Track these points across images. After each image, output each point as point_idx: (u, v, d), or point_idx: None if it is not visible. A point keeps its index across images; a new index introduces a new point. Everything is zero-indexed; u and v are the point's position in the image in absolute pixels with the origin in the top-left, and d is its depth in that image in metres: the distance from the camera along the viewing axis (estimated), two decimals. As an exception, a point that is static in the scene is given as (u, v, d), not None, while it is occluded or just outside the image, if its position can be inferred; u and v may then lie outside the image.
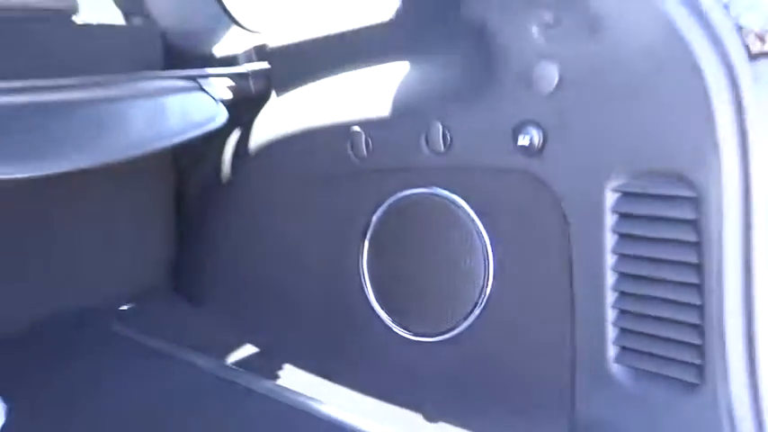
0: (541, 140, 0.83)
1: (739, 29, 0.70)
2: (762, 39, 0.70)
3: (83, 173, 1.00)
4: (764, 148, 0.69)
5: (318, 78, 1.17)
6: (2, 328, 0.98)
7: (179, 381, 1.08)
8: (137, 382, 1.07)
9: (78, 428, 0.94)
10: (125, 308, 1.36)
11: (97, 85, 1.09)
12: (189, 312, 1.32)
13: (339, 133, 1.05)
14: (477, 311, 0.93)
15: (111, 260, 1.33)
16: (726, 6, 0.71)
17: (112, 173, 1.07)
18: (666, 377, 0.77)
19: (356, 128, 1.02)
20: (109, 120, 1.07)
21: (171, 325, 1.29)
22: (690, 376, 0.75)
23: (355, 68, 1.10)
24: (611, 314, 0.81)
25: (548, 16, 0.79)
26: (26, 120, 0.99)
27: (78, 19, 1.31)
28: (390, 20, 1.06)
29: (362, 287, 1.04)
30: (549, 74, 0.80)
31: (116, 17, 1.52)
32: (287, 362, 1.10)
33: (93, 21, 1.41)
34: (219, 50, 1.40)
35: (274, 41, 1.31)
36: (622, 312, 0.80)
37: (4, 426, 0.88)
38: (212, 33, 1.46)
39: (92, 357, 1.15)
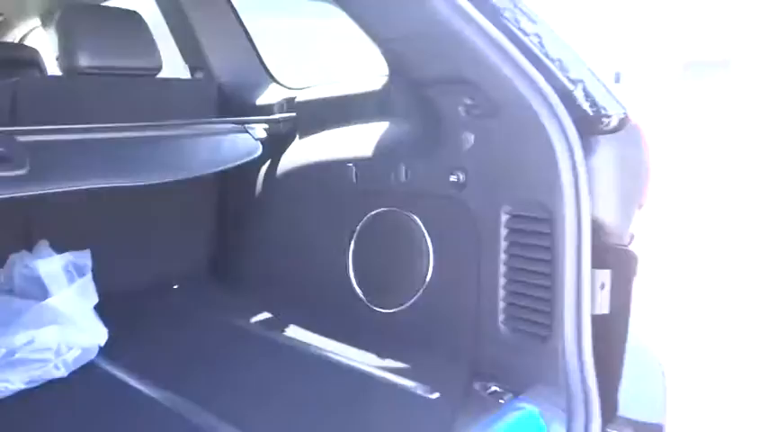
0: (464, 179, 1.29)
1: (576, 119, 1.15)
2: (590, 123, 1.16)
3: (162, 185, 1.48)
4: (586, 190, 1.14)
5: (328, 128, 1.64)
6: (109, 287, 1.44)
7: (218, 336, 1.54)
8: (192, 333, 1.53)
9: (156, 357, 1.40)
10: (176, 287, 1.83)
11: (174, 126, 1.59)
12: (223, 292, 1.79)
13: (339, 166, 1.52)
14: (421, 291, 1.38)
15: (171, 249, 1.80)
16: (570, 100, 1.16)
17: (179, 186, 1.54)
18: (530, 332, 1.22)
19: (350, 164, 1.50)
20: (182, 150, 1.56)
21: (210, 300, 1.75)
22: (543, 332, 1.19)
23: (353, 123, 1.57)
24: (501, 293, 1.25)
25: (469, 102, 1.26)
26: (129, 149, 1.48)
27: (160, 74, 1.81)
28: (379, 90, 1.53)
29: (348, 274, 1.50)
30: (468, 138, 1.27)
31: (185, 72, 2.03)
32: (297, 325, 1.55)
33: (170, 75, 1.91)
34: (260, 100, 1.89)
35: (300, 97, 1.79)
36: (507, 292, 1.25)
37: (104, 345, 1.33)
38: (255, 87, 1.95)
39: (156, 316, 1.61)
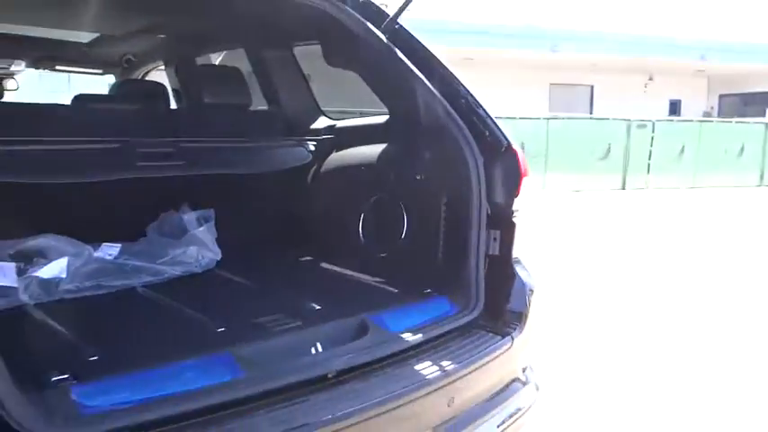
0: (423, 178, 2.28)
1: (481, 146, 2.12)
2: (490, 148, 2.13)
3: (252, 174, 2.51)
4: (485, 186, 2.11)
5: (353, 146, 2.66)
6: (219, 232, 2.47)
7: (276, 264, 2.56)
8: (260, 261, 2.56)
9: (242, 269, 2.41)
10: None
11: (259, 141, 2.65)
12: (286, 244, 2.78)
13: (357, 169, 2.53)
14: (399, 242, 2.37)
15: (258, 214, 2.81)
16: (481, 136, 2.13)
17: (261, 177, 2.56)
18: (453, 262, 2.19)
19: (363, 167, 2.51)
20: (264, 155, 2.61)
21: (280, 247, 2.75)
22: (460, 262, 2.16)
23: (367, 143, 2.58)
24: (441, 243, 2.22)
25: (427, 136, 2.25)
26: (235, 152, 2.52)
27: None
28: (383, 124, 2.53)
29: (358, 231, 2.50)
30: (426, 155, 2.26)
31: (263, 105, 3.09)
32: (326, 261, 2.56)
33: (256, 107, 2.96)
34: (312, 125, 2.92)
35: (338, 125, 2.82)
36: (443, 242, 2.21)
37: (219, 259, 2.37)
38: (309, 117, 2.98)
39: (244, 249, 2.62)
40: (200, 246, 2.27)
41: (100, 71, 4.13)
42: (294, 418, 1.45)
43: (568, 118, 16.73)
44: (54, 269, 1.96)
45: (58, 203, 2.23)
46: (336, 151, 2.76)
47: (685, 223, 9.98)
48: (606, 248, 7.64)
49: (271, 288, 2.23)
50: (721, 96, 30.01)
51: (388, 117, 2.51)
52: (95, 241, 2.30)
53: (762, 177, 16.83)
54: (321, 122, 2.93)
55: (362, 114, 2.86)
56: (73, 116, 2.42)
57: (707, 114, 28.13)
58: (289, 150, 2.73)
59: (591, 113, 25.44)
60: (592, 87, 27.21)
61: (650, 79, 27.63)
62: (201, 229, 2.33)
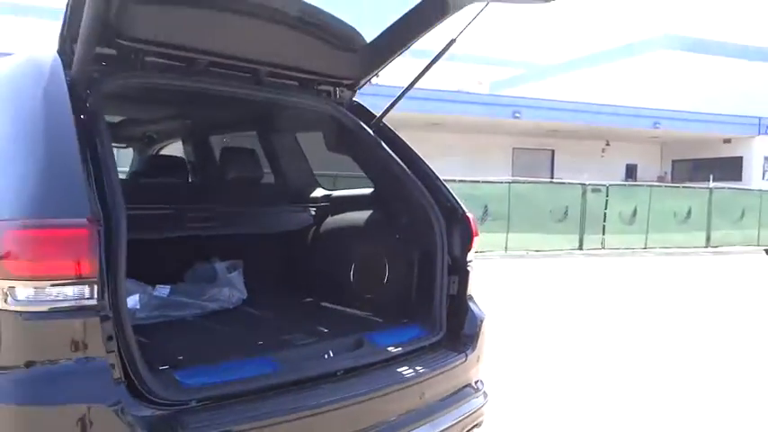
0: (400, 237, 3.04)
1: (444, 214, 2.91)
2: (449, 214, 2.91)
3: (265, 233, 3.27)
4: (446, 244, 2.88)
5: (343, 212, 3.42)
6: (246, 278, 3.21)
7: (283, 303, 3.28)
8: (267, 301, 3.28)
9: (261, 306, 3.13)
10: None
11: (274, 207, 3.41)
12: (293, 289, 3.51)
13: (347, 228, 3.29)
14: (383, 284, 3.10)
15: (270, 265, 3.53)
16: (444, 208, 2.91)
17: (272, 236, 3.31)
18: (423, 300, 2.93)
19: (351, 228, 3.27)
20: (275, 218, 3.38)
21: (284, 288, 3.49)
22: (427, 299, 2.91)
23: (356, 210, 3.34)
24: (414, 286, 2.95)
25: (404, 206, 3.03)
26: (254, 216, 3.28)
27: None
28: (368, 195, 3.30)
29: (350, 278, 3.23)
30: (403, 221, 3.04)
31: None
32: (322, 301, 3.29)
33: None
34: (312, 194, 3.68)
35: (332, 195, 3.59)
36: (417, 285, 2.96)
37: (245, 299, 3.08)
38: (309, 188, 3.75)
39: (261, 292, 3.34)
40: (231, 287, 3.00)
41: (123, 145, 4.87)
42: (313, 398, 2.16)
43: (529, 182, 17.80)
44: (129, 303, 2.66)
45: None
46: (331, 216, 3.52)
47: (623, 286, 10.89)
48: (539, 306, 8.46)
49: (287, 318, 2.96)
50: (674, 161, 31.69)
51: (372, 190, 3.29)
52: (149, 283, 3.01)
53: (708, 239, 17.96)
54: (318, 192, 3.71)
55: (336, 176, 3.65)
56: (132, 187, 3.16)
57: (661, 178, 29.66)
58: (295, 215, 3.50)
59: (552, 176, 26.71)
60: (553, 152, 28.62)
61: (607, 144, 29.13)
62: (234, 274, 3.06)
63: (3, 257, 1.76)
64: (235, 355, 2.29)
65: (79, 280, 1.78)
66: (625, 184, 22.04)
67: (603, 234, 16.75)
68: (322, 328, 2.78)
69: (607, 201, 16.93)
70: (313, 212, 3.55)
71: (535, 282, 10.74)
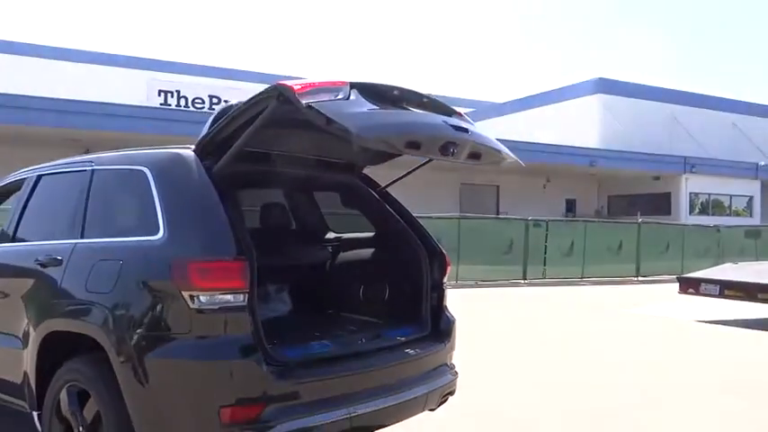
0: (396, 268, 4.45)
1: (428, 252, 4.32)
2: (431, 254, 4.33)
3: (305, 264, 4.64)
4: (430, 274, 4.29)
5: (354, 249, 4.81)
6: None
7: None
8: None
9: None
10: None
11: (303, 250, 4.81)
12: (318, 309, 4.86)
13: (356, 262, 4.67)
14: (384, 300, 4.48)
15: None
16: (428, 244, 4.33)
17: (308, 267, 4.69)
18: (413, 306, 4.33)
19: (359, 262, 4.67)
20: (307, 255, 4.76)
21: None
22: (417, 306, 4.30)
23: (362, 248, 4.73)
24: (409, 300, 4.37)
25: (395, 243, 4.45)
26: (305, 252, 4.66)
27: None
28: (371, 238, 4.70)
29: (360, 296, 4.60)
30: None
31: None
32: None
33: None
34: (326, 236, 5.07)
35: (342, 237, 4.98)
36: (409, 300, 4.37)
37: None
38: (324, 232, 5.12)
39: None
40: (282, 302, 4.35)
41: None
42: (356, 365, 3.54)
43: (477, 218, 19.46)
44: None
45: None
46: (342, 252, 4.89)
47: (553, 310, 12.51)
48: (483, 324, 9.99)
49: (323, 322, 4.31)
50: (610, 197, 34.05)
51: (374, 233, 4.68)
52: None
53: (638, 270, 19.87)
54: (331, 235, 5.09)
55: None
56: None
57: (598, 213, 31.89)
58: (320, 251, 4.87)
59: (498, 211, 28.56)
60: (498, 187, 30.54)
61: (548, 181, 31.23)
62: (283, 293, 4.42)
63: (192, 278, 3.11)
64: (306, 340, 3.65)
65: (235, 291, 3.14)
66: (563, 220, 23.97)
67: (545, 265, 18.46)
68: (351, 326, 4.16)
69: (547, 235, 18.69)
70: (330, 249, 4.92)
71: (483, 307, 12.25)
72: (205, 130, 3.55)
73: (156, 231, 3.36)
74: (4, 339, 4.15)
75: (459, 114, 3.74)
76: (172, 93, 34.55)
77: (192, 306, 3.10)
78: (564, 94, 34.71)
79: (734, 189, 32.61)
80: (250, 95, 3.31)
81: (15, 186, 4.90)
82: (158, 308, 3.22)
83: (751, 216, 32.73)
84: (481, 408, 5.40)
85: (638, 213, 22.36)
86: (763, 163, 32.56)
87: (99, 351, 3.36)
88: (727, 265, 12.63)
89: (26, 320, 3.89)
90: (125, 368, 3.20)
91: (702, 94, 35.97)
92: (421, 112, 3.52)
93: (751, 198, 33.35)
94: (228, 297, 3.14)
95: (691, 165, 30.81)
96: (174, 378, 3.14)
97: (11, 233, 4.47)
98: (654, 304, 13.20)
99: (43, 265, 3.87)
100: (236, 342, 3.14)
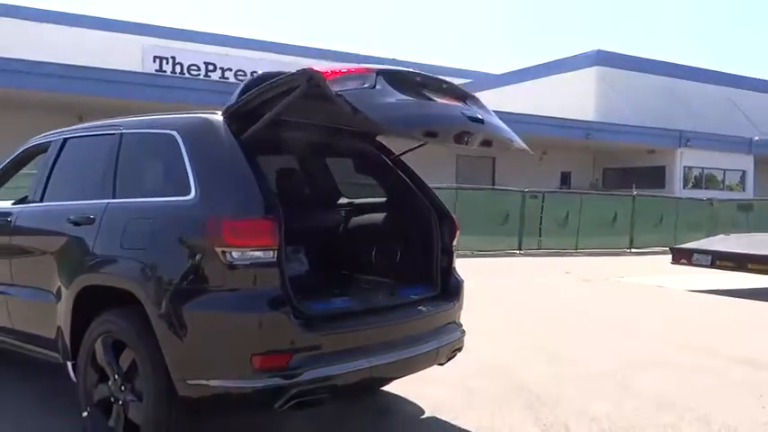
0: (408, 230, 4.68)
1: (438, 214, 4.54)
2: (441, 215, 4.55)
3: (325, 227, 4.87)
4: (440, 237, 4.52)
5: (365, 214, 5.03)
6: None
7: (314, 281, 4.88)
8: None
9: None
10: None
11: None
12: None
13: (368, 225, 4.89)
14: (396, 263, 4.71)
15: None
16: (438, 208, 4.56)
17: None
18: (426, 264, 4.56)
19: (372, 224, 4.89)
20: (326, 217, 4.99)
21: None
22: (429, 264, 4.53)
23: (374, 212, 4.95)
24: (425, 260, 4.60)
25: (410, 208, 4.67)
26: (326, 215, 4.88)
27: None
28: (382, 203, 4.91)
29: (372, 257, 4.83)
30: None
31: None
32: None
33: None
34: (339, 201, 5.28)
35: (355, 202, 5.19)
36: (424, 257, 4.60)
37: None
38: (337, 198, 5.33)
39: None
40: (300, 262, 4.57)
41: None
42: (369, 322, 3.78)
43: (474, 188, 19.68)
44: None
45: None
46: (355, 216, 5.10)
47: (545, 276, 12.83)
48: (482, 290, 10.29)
49: (340, 281, 4.54)
50: (605, 169, 34.31)
51: (386, 198, 4.88)
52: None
53: (631, 242, 20.20)
54: (343, 200, 5.29)
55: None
56: None
57: (593, 185, 32.13)
58: (335, 215, 5.08)
59: (494, 183, 28.78)
60: (494, 159, 30.71)
61: (544, 153, 31.41)
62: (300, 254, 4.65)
63: (225, 236, 3.32)
64: (327, 296, 3.88)
65: (266, 248, 3.36)
66: (558, 192, 24.23)
67: (540, 236, 18.77)
68: (366, 285, 4.40)
69: (543, 206, 18.95)
70: (343, 213, 5.13)
71: (480, 275, 12.54)
72: (234, 98, 3.74)
73: (187, 192, 3.57)
74: (37, 294, 4.37)
75: (475, 100, 3.96)
76: (167, 59, 34.44)
77: (225, 261, 3.32)
78: (561, 66, 34.70)
79: (727, 164, 32.92)
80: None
81: (37, 150, 5.08)
82: (193, 263, 3.44)
83: (744, 191, 33.08)
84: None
85: (633, 186, 22.62)
86: (757, 138, 32.82)
87: (134, 304, 3.59)
88: (719, 237, 12.95)
89: (60, 276, 4.11)
90: (162, 320, 3.43)
91: (700, 68, 36.10)
92: (441, 102, 3.74)
93: (744, 172, 33.67)
94: (259, 253, 3.36)
95: (686, 139, 31.06)
96: (209, 328, 3.38)
97: (40, 194, 4.66)
98: (646, 275, 13.52)
99: (76, 224, 4.08)
100: (266, 295, 3.37)
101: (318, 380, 3.41)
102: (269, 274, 3.37)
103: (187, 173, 3.63)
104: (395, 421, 4.62)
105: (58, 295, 4.10)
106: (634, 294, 10.99)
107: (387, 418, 4.65)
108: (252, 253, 3.35)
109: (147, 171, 4.15)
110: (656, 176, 31.52)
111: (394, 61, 32.46)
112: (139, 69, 29.45)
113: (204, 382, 3.36)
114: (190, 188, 3.57)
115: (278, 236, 3.38)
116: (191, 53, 34.84)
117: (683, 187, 31.50)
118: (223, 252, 3.32)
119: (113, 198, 4.01)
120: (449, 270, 4.51)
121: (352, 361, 3.57)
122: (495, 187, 24.43)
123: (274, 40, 39.79)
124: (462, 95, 3.93)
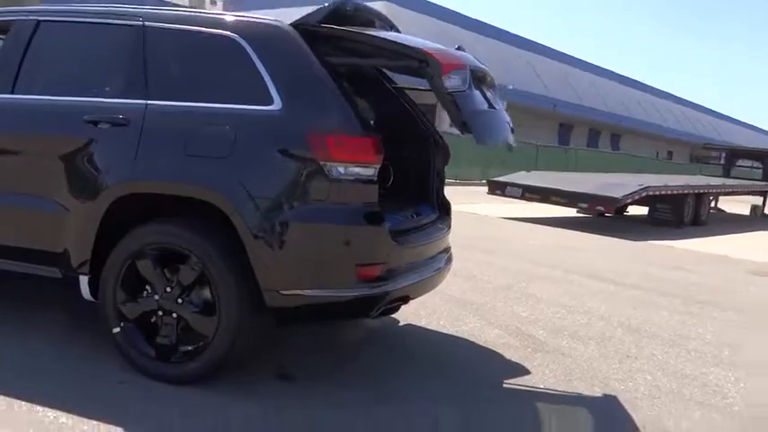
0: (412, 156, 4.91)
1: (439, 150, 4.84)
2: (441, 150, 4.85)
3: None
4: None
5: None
6: None
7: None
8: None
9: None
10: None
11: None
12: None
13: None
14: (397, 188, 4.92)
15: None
16: (438, 143, 4.84)
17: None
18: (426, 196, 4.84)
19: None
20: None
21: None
22: (429, 191, 4.82)
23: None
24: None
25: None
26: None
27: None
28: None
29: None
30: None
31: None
32: None
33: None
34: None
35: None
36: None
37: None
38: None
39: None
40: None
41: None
42: (419, 239, 4.02)
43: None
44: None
45: None
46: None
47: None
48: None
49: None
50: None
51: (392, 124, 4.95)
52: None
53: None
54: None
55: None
56: None
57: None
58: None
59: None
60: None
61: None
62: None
63: (332, 151, 3.35)
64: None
65: (368, 164, 3.45)
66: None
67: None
68: (396, 206, 4.31)
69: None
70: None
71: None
72: (314, 17, 3.70)
73: (268, 101, 3.47)
74: (25, 201, 3.86)
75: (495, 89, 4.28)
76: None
77: (330, 176, 3.36)
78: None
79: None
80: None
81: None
82: (294, 176, 3.40)
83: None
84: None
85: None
86: (511, 87, 36.38)
87: (198, 214, 3.51)
88: (522, 173, 14.75)
89: (73, 183, 3.69)
90: (256, 232, 3.35)
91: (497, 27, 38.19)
92: (500, 109, 4.14)
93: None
94: (360, 170, 3.45)
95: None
96: (313, 240, 3.42)
97: (9, 84, 4.00)
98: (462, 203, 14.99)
99: (96, 124, 3.67)
100: (369, 210, 3.49)
101: (399, 290, 3.65)
102: (369, 189, 3.48)
103: (264, 81, 3.50)
104: (383, 329, 4.95)
105: (73, 204, 3.69)
106: (464, 219, 12.18)
107: (375, 328, 4.95)
108: (354, 169, 3.43)
109: (203, 74, 3.71)
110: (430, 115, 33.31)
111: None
112: None
113: (299, 291, 3.40)
114: (271, 98, 3.47)
115: (381, 154, 3.47)
116: None
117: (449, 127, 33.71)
118: (329, 167, 3.35)
119: (149, 99, 3.66)
120: (442, 193, 4.83)
121: (414, 274, 3.84)
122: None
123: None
124: (494, 83, 4.32)
